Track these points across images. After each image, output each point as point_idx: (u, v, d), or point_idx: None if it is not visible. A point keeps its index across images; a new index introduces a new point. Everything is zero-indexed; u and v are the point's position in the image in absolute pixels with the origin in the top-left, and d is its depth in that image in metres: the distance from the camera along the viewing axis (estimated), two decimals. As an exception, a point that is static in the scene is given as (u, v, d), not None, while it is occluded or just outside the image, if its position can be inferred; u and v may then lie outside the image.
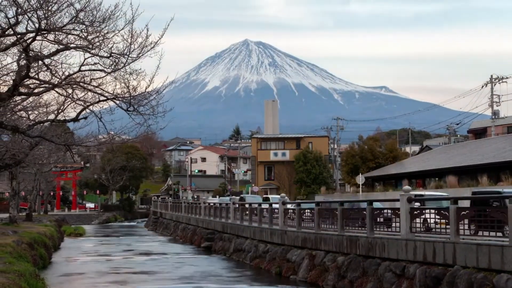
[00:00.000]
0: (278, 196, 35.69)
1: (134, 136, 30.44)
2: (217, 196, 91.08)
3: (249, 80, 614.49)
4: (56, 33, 23.46)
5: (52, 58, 25.12)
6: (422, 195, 26.62)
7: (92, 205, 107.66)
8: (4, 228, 31.24)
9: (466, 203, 21.26)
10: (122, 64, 24.59)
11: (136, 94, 25.70)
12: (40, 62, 25.09)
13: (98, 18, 23.16)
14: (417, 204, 20.41)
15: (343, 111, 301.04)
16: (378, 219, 22.12)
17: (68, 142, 33.03)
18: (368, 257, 20.99)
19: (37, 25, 22.34)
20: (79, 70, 25.24)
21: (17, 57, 26.42)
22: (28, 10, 21.83)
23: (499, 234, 16.60)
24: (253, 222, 33.76)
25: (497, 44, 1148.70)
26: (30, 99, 29.58)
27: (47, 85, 25.98)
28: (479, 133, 74.05)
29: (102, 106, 27.58)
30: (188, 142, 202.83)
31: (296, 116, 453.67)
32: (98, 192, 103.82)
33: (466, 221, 17.70)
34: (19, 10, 21.84)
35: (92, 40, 23.79)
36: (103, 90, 26.13)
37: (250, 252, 31.58)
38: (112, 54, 24.38)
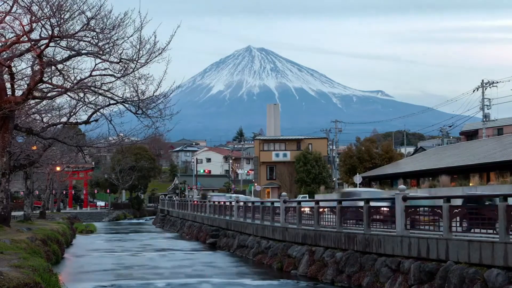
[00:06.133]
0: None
1: (142, 137, 30.56)
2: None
3: (252, 84, 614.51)
4: (69, 39, 23.56)
5: (64, 63, 25.21)
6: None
7: (102, 204, 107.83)
8: (19, 225, 31.23)
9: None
10: (131, 69, 24.70)
11: (144, 98, 25.81)
12: (53, 67, 25.17)
13: (109, 26, 23.26)
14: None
15: (341, 114, 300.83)
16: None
17: (79, 143, 33.16)
18: (365, 252, 20.96)
19: (50, 32, 22.41)
20: (90, 75, 25.33)
21: (31, 63, 26.51)
22: (42, 18, 21.90)
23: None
24: (256, 220, 33.74)
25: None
26: (44, 102, 29.68)
27: (59, 89, 26.07)
28: (471, 135, 74.01)
29: (112, 109, 27.72)
30: (194, 143, 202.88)
31: (297, 119, 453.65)
32: (108, 191, 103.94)
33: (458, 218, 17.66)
34: (33, 18, 21.89)
35: (103, 47, 23.86)
36: (113, 94, 26.24)
37: (253, 248, 31.55)
38: (122, 60, 24.47)
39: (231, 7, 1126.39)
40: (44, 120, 31.78)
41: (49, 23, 22.08)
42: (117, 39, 23.72)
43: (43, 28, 23.04)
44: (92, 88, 25.74)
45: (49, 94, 27.49)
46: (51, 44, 23.58)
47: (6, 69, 24.53)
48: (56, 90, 26.61)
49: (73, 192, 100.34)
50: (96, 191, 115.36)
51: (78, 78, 25.42)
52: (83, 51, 24.42)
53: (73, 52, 24.58)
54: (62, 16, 21.77)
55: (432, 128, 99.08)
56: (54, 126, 31.29)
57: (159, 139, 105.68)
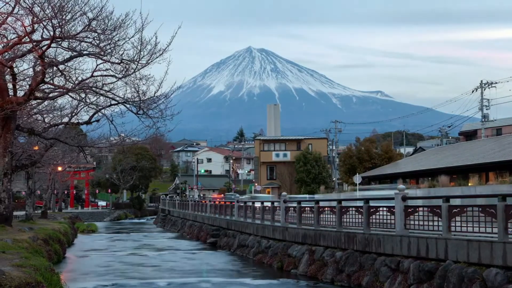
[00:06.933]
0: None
1: (143, 138, 30.54)
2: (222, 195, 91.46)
3: (252, 85, 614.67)
4: (70, 40, 23.57)
5: (66, 64, 25.23)
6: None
7: (104, 203, 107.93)
8: (21, 225, 31.23)
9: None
10: (132, 70, 24.70)
11: (145, 98, 25.82)
12: (54, 68, 25.20)
13: (110, 27, 23.26)
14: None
15: (341, 115, 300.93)
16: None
17: (81, 143, 33.19)
18: (365, 252, 20.97)
19: (52, 33, 22.41)
20: (92, 76, 25.34)
21: (33, 64, 26.53)
22: (44, 19, 21.91)
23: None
24: (256, 219, 33.74)
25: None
26: (45, 103, 29.68)
27: (61, 90, 26.08)
28: (470, 135, 74.03)
29: (114, 110, 27.71)
30: (194, 143, 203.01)
31: (297, 119, 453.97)
32: (109, 191, 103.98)
33: (457, 218, 17.65)
34: (35, 19, 21.90)
35: (104, 47, 23.87)
36: (114, 95, 26.24)
37: (253, 248, 31.56)
38: (123, 61, 24.47)
39: (232, 11, 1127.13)
40: (46, 120, 31.78)
41: (50, 24, 22.09)
42: (118, 40, 23.73)
43: (44, 29, 23.05)
44: (93, 88, 25.74)
45: (50, 95, 27.50)
46: (53, 45, 23.59)
47: (8, 69, 24.54)
48: (57, 90, 26.62)
49: (74, 192, 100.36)
50: (97, 191, 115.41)
51: (80, 78, 25.44)
52: (85, 52, 24.43)
53: (74, 53, 24.59)
54: (64, 17, 21.77)
55: (432, 128, 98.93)
56: (56, 127, 31.29)
57: (160, 139, 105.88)
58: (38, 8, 21.55)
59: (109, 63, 24.85)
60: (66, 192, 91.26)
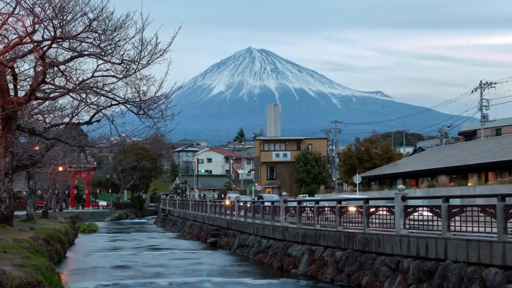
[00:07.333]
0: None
1: (144, 138, 30.52)
2: (222, 195, 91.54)
3: (252, 85, 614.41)
4: (71, 41, 23.58)
5: (67, 64, 25.25)
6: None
7: (104, 203, 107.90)
8: (22, 225, 31.23)
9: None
10: (133, 70, 24.70)
11: (146, 98, 25.81)
12: (55, 68, 25.20)
13: (110, 27, 23.26)
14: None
15: (341, 115, 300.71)
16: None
17: (82, 143, 33.20)
18: (365, 252, 20.98)
19: (52, 34, 22.43)
20: (92, 76, 25.35)
21: (34, 64, 26.54)
22: (44, 19, 21.91)
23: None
24: (256, 219, 33.74)
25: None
26: (46, 103, 29.69)
27: (62, 90, 26.09)
28: (469, 135, 74.06)
29: (114, 110, 27.71)
30: (195, 143, 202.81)
31: (297, 119, 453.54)
32: (110, 191, 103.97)
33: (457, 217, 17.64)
34: (36, 19, 21.90)
35: (105, 48, 23.87)
36: (115, 95, 26.24)
37: (254, 248, 31.56)
38: (124, 61, 24.47)
39: (232, 14, 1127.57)
40: (47, 120, 31.79)
41: (51, 25, 22.10)
42: (119, 40, 23.74)
43: (45, 30, 23.06)
44: (94, 89, 25.75)
45: (51, 95, 27.51)
46: (54, 45, 23.60)
47: (9, 70, 24.55)
48: (58, 91, 26.63)
49: (75, 192, 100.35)
50: (98, 191, 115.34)
51: (80, 79, 25.45)
52: (85, 52, 24.44)
53: (75, 53, 24.60)
54: (65, 17, 21.78)
55: (431, 128, 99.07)
56: (57, 127, 31.32)
57: (161, 140, 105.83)
58: (39, 8, 21.56)
59: (109, 64, 24.86)
60: (67, 192, 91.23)
